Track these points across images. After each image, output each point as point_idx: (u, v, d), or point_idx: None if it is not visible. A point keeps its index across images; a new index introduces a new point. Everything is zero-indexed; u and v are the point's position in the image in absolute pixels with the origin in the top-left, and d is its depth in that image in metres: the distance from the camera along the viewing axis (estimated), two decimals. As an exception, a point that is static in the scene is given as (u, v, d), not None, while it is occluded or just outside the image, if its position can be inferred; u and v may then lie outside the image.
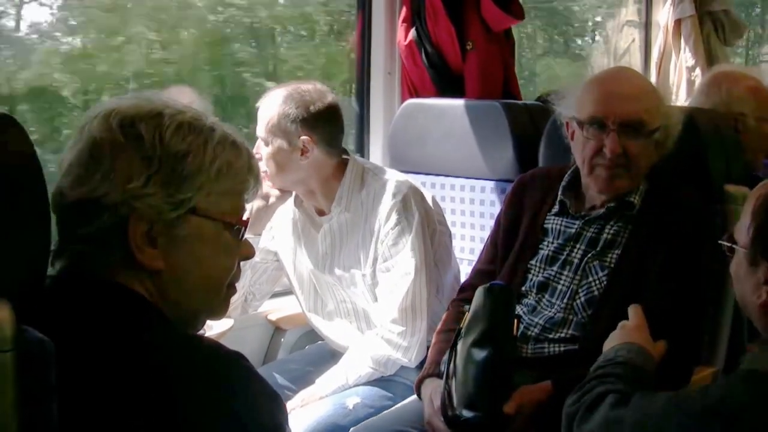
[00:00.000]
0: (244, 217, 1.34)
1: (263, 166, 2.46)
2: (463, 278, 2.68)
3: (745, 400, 1.46)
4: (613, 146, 2.12)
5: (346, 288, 2.60)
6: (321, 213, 2.59)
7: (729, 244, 1.66)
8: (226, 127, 1.32)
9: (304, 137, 2.46)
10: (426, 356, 2.40)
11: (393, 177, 2.57)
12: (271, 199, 2.55)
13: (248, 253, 1.39)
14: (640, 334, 1.83)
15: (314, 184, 2.53)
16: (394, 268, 2.47)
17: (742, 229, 1.62)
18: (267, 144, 2.47)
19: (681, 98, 4.41)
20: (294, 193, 2.62)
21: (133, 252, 1.22)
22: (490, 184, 2.98)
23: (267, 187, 2.55)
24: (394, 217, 2.47)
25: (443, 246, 2.65)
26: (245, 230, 1.35)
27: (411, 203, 2.49)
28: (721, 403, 1.47)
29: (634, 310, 1.89)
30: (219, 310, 1.38)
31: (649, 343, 1.82)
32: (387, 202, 2.48)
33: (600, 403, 1.60)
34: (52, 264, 1.24)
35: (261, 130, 2.48)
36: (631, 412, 1.54)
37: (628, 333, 1.84)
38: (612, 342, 1.83)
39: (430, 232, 2.55)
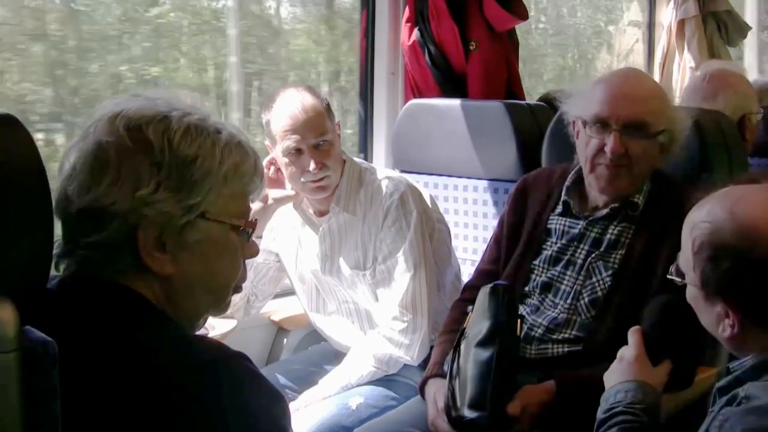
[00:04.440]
0: (250, 219, 1.34)
1: (329, 167, 2.45)
2: (465, 277, 2.69)
3: None
4: (615, 146, 2.12)
5: (347, 288, 2.60)
6: (322, 213, 2.59)
7: (678, 279, 1.61)
8: (231, 127, 1.31)
9: (336, 123, 2.52)
10: (428, 355, 2.40)
11: (390, 176, 2.58)
12: (269, 201, 2.54)
13: (253, 252, 1.39)
14: (638, 366, 1.78)
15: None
16: (394, 266, 2.48)
17: (688, 266, 1.56)
18: (334, 142, 2.47)
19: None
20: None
21: (141, 257, 1.22)
22: (493, 185, 2.98)
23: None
24: (392, 215, 2.47)
25: (443, 244, 2.65)
26: (252, 232, 1.35)
27: (409, 201, 2.49)
28: None
29: (632, 337, 1.83)
30: (223, 309, 1.38)
31: (648, 373, 1.77)
32: (385, 200, 2.49)
33: None
34: (56, 265, 1.24)
35: (323, 130, 2.44)
36: None
37: (627, 368, 1.78)
38: (611, 378, 1.79)
39: (429, 230, 2.55)
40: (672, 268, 1.64)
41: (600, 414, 1.71)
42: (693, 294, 1.59)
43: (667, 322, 1.87)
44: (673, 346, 1.84)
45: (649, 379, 1.75)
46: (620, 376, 1.77)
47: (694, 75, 3.29)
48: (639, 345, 1.80)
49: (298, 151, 2.43)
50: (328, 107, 2.47)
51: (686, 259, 1.57)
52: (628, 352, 1.81)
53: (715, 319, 1.54)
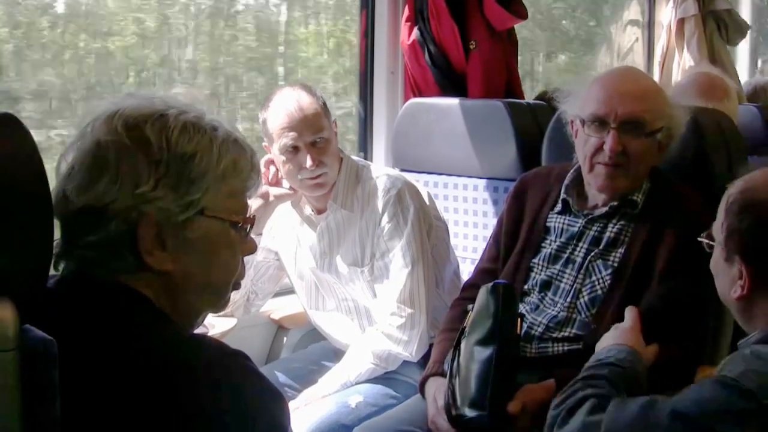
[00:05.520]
0: (248, 215, 1.35)
1: (326, 164, 2.47)
2: (465, 276, 2.69)
3: (713, 405, 1.48)
4: (613, 144, 2.13)
5: (345, 285, 2.61)
6: (320, 211, 2.60)
7: (707, 241, 1.71)
8: (227, 124, 1.31)
9: (333, 121, 2.53)
10: (427, 352, 2.41)
11: (387, 173, 2.59)
12: (270, 198, 2.55)
13: (251, 248, 1.39)
14: (632, 335, 1.85)
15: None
16: (392, 261, 2.48)
17: (718, 226, 1.67)
18: (330, 140, 2.48)
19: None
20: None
21: (141, 255, 1.22)
22: (493, 183, 2.99)
23: (265, 186, 2.55)
24: (389, 211, 2.48)
25: (441, 241, 2.66)
26: (251, 228, 1.35)
27: (406, 197, 2.50)
28: (692, 406, 1.50)
29: (630, 312, 1.92)
30: (222, 307, 1.38)
31: (640, 345, 1.84)
32: (382, 197, 2.50)
33: (580, 407, 1.63)
34: (55, 265, 1.24)
35: (320, 128, 2.45)
36: (606, 417, 1.57)
37: (620, 334, 1.86)
38: (604, 343, 1.86)
39: (427, 227, 2.56)
40: (704, 233, 1.74)
41: (587, 365, 1.77)
42: (716, 257, 1.69)
43: (663, 309, 1.92)
44: (665, 334, 1.88)
45: (640, 350, 1.82)
46: (612, 340, 1.84)
47: (691, 77, 3.29)
48: (635, 318, 1.89)
49: (295, 149, 2.44)
50: (324, 105, 2.48)
51: (718, 219, 1.68)
52: (624, 324, 1.89)
53: (729, 281, 1.65)
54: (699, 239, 1.74)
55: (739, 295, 1.62)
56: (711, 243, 1.70)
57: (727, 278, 1.66)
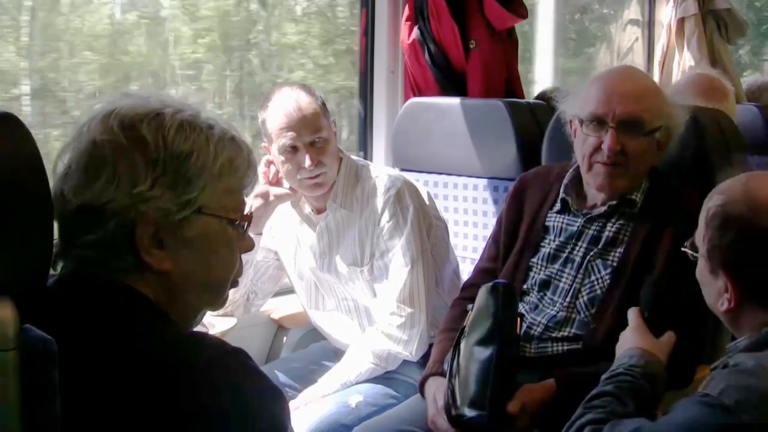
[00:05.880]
0: (245, 213, 1.35)
1: (325, 163, 2.47)
2: (465, 275, 2.69)
3: (698, 426, 1.47)
4: (611, 143, 2.13)
5: (345, 285, 2.61)
6: (320, 211, 2.60)
7: (691, 252, 1.70)
8: (223, 122, 1.31)
9: (332, 121, 2.53)
10: (427, 351, 2.41)
11: (386, 172, 2.60)
12: (271, 198, 2.55)
13: (249, 246, 1.39)
14: (639, 335, 1.85)
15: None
16: (391, 261, 2.49)
17: (700, 238, 1.66)
18: (330, 139, 2.49)
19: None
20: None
21: (140, 254, 1.22)
22: (493, 183, 2.99)
23: (265, 186, 2.55)
24: (389, 210, 2.49)
25: (441, 240, 2.66)
26: (248, 225, 1.36)
27: (405, 196, 2.50)
28: (678, 430, 1.49)
29: (631, 314, 1.92)
30: (220, 305, 1.38)
31: (650, 342, 1.83)
32: (381, 196, 2.50)
33: None
34: (53, 265, 1.24)
35: (319, 127, 2.45)
36: None
37: (629, 339, 1.85)
38: (617, 351, 1.85)
39: (426, 226, 2.56)
40: (687, 242, 1.72)
41: (603, 377, 1.77)
42: (700, 268, 1.68)
43: (662, 308, 1.92)
44: (670, 321, 1.89)
45: (652, 348, 1.81)
46: (623, 345, 1.84)
47: (689, 78, 3.29)
48: (637, 317, 1.89)
49: (294, 149, 2.44)
50: (323, 105, 2.49)
51: (700, 231, 1.66)
52: (628, 328, 1.89)
53: (716, 294, 1.64)
54: (683, 249, 1.73)
55: (726, 308, 1.62)
56: (694, 254, 1.70)
57: (713, 290, 1.65)
